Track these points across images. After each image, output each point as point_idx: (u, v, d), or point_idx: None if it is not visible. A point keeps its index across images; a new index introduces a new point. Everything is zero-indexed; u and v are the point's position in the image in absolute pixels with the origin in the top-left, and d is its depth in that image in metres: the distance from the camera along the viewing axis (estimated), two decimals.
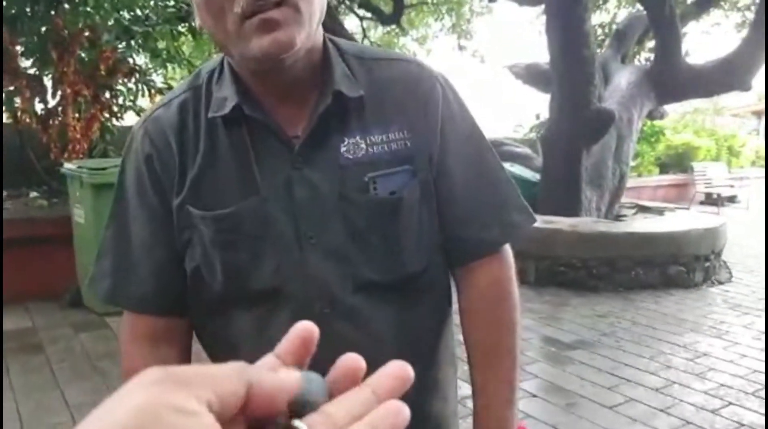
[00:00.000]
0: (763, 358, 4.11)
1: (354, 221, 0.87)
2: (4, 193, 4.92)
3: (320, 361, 0.85)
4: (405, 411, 0.32)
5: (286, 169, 0.86)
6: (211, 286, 0.89)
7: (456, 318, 1.03)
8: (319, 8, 0.82)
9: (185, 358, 0.97)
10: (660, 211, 7.36)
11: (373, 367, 0.87)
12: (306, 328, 0.37)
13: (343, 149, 0.87)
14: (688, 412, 3.29)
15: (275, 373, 0.32)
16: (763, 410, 3.35)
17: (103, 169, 4.32)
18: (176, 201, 0.89)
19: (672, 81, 7.31)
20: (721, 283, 6.06)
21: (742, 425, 3.17)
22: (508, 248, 0.99)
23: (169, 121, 0.90)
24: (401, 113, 0.90)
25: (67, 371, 3.51)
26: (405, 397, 0.33)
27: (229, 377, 0.29)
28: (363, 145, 0.87)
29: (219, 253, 0.87)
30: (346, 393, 0.33)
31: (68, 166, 4.50)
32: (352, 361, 0.35)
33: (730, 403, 3.42)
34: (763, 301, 5.49)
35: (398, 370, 0.34)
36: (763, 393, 3.58)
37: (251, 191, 0.86)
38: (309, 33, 0.81)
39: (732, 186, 12.88)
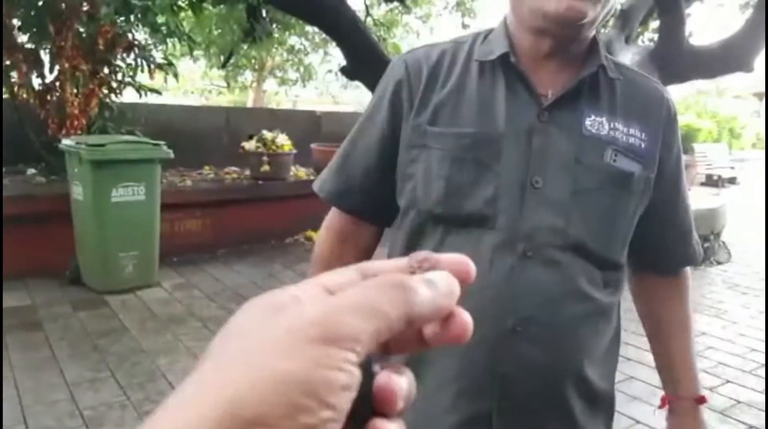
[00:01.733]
0: (761, 337, 4.13)
1: (584, 182, 0.92)
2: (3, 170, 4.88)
3: (509, 299, 0.85)
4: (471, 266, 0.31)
5: (531, 118, 0.93)
6: (422, 207, 0.96)
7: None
8: (613, 2, 0.93)
9: (359, 260, 1.07)
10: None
11: (547, 321, 0.87)
12: (464, 262, 0.33)
13: (587, 122, 0.94)
14: None
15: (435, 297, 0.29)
16: (759, 388, 3.36)
17: (102, 145, 4.26)
18: (413, 122, 0.98)
19: (675, 62, 7.24)
20: (720, 263, 6.08)
21: (739, 402, 3.19)
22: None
23: (426, 57, 1.01)
24: (644, 119, 0.98)
25: (66, 349, 3.50)
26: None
27: (390, 307, 0.26)
28: (606, 127, 0.95)
29: (446, 169, 0.93)
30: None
31: (66, 142, 4.44)
32: (461, 262, 0.32)
33: (728, 381, 3.44)
34: (762, 282, 5.51)
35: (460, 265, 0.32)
36: (760, 371, 3.60)
37: (492, 127, 0.94)
38: (600, 15, 0.91)
39: (732, 168, 12.86)
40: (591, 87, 0.96)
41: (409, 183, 0.98)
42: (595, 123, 0.94)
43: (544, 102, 0.94)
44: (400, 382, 0.27)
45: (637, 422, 2.95)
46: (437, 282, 0.29)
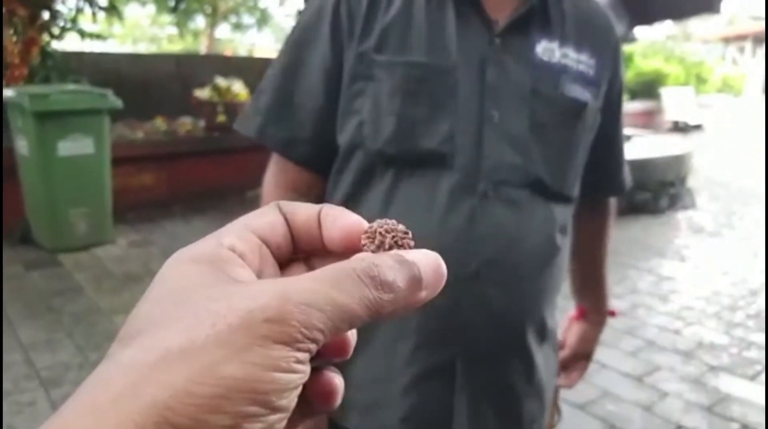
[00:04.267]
0: (724, 281, 4.20)
1: (540, 115, 0.88)
2: None
3: (471, 242, 0.83)
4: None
5: (483, 47, 0.88)
6: (371, 146, 0.88)
7: None
8: None
9: None
10: (627, 138, 7.34)
11: (510, 263, 0.83)
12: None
13: (538, 49, 0.90)
14: (651, 333, 3.36)
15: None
16: (721, 330, 3.42)
17: (46, 95, 4.04)
18: (358, 48, 0.88)
19: (646, 3, 7.19)
20: (685, 209, 6.15)
21: (702, 344, 3.23)
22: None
23: None
24: (595, 46, 0.96)
25: (19, 310, 3.40)
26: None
27: (359, 306, 0.23)
28: (557, 54, 0.91)
29: (397, 104, 0.86)
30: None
31: (8, 93, 4.21)
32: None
33: (692, 324, 3.48)
34: (725, 227, 5.61)
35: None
36: (723, 314, 3.65)
37: (443, 57, 0.87)
38: None
39: (698, 113, 12.97)
40: (541, 13, 0.92)
41: (353, 119, 0.89)
42: (547, 51, 0.91)
43: (495, 29, 0.89)
44: (340, 380, 0.26)
45: (604, 366, 2.97)
46: (422, 271, 0.26)
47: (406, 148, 0.86)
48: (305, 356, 0.22)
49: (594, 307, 1.21)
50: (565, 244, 0.96)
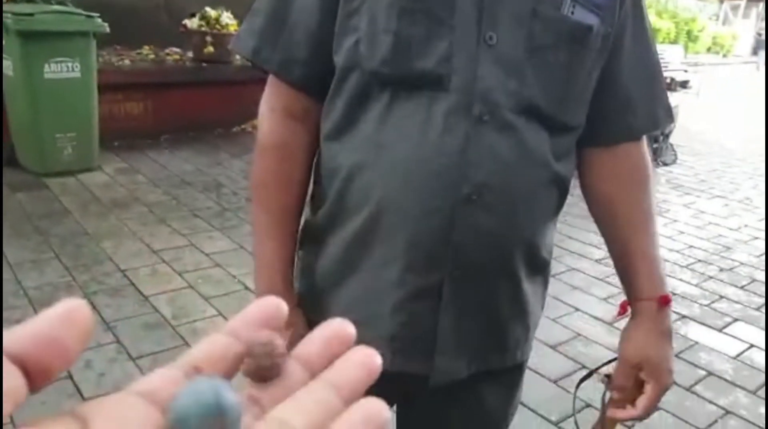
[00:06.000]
0: (700, 235, 4.33)
1: (539, 38, 0.83)
2: None
3: (465, 166, 0.82)
4: (385, 414, 0.24)
5: None
6: (366, 66, 0.84)
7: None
8: None
9: (313, 142, 0.94)
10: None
11: (503, 188, 0.81)
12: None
13: None
14: None
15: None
16: (694, 282, 3.55)
17: (30, 14, 3.92)
18: None
19: None
20: (666, 164, 6.25)
21: (675, 294, 3.35)
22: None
23: None
24: None
25: (6, 230, 3.39)
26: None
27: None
28: None
29: (394, 21, 0.82)
30: (300, 390, 0.24)
31: None
32: (339, 326, 0.27)
33: (666, 275, 3.59)
34: (704, 183, 5.73)
35: (366, 358, 0.26)
36: (695, 266, 3.79)
37: None
38: None
39: (686, 71, 12.95)
40: None
41: (348, 38, 0.85)
42: None
43: None
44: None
45: (577, 309, 3.09)
46: None
47: (402, 68, 0.83)
48: None
49: (637, 296, 0.98)
50: (563, 172, 0.92)
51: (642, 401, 0.96)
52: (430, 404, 1.00)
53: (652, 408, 0.96)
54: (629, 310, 1.00)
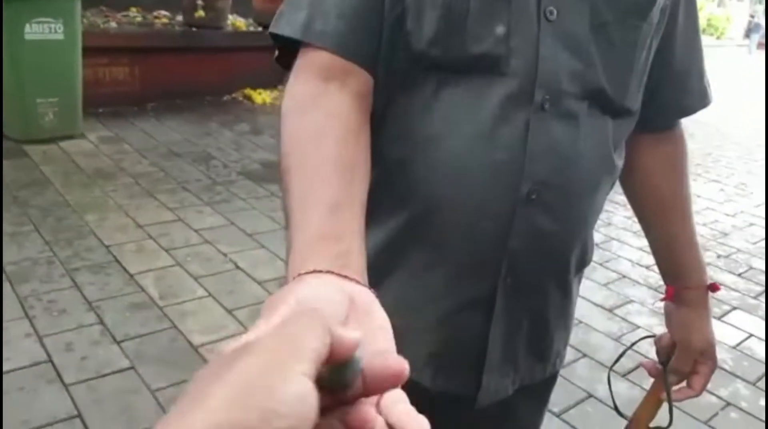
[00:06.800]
0: (696, 221, 4.26)
1: (601, 12, 0.74)
2: None
3: (525, 161, 0.74)
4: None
5: None
6: (415, 44, 0.72)
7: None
8: None
9: (361, 104, 0.71)
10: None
11: (564, 186, 0.74)
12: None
13: None
14: (624, 266, 3.43)
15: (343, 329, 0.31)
16: None
17: None
18: None
19: None
20: None
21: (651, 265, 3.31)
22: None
23: None
24: None
25: None
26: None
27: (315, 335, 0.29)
28: None
29: None
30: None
31: None
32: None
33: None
34: (701, 168, 5.68)
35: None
36: None
37: None
38: None
39: None
40: None
41: (393, 11, 0.72)
42: None
43: None
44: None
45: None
46: None
47: (452, 50, 0.72)
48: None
49: (685, 285, 0.97)
50: (620, 164, 0.85)
51: (699, 381, 0.99)
52: (456, 423, 0.91)
53: (706, 387, 1.01)
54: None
